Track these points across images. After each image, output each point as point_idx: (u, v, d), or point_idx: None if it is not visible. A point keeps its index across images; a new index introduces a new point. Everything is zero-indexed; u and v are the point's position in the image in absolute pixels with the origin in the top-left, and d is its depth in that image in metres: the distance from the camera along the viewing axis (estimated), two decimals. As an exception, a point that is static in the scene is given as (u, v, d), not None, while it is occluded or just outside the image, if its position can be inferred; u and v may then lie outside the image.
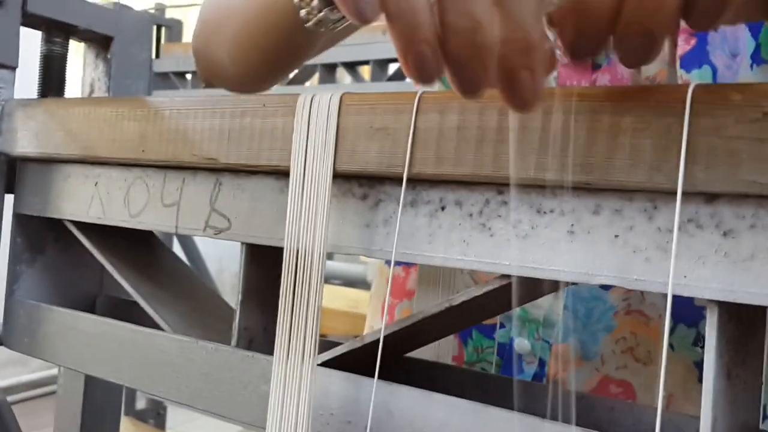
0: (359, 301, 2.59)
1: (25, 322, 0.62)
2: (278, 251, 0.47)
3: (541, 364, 0.60)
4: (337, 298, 2.70)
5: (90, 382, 0.88)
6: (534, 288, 0.44)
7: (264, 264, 0.51)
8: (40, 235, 0.65)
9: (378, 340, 0.46)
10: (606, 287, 0.59)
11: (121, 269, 0.58)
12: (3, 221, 0.65)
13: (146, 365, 0.54)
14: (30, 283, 0.65)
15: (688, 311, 0.56)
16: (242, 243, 0.50)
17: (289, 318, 0.45)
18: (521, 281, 0.40)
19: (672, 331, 0.58)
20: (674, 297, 0.58)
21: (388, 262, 0.70)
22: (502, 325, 0.62)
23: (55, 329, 0.60)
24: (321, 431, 0.46)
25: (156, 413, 2.85)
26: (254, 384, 0.49)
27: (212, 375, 0.51)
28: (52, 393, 0.92)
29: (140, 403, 2.83)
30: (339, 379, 0.45)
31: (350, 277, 3.45)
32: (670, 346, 0.58)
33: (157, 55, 2.38)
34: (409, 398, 0.43)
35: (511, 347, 0.61)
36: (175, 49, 2.38)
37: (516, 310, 0.61)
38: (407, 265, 0.67)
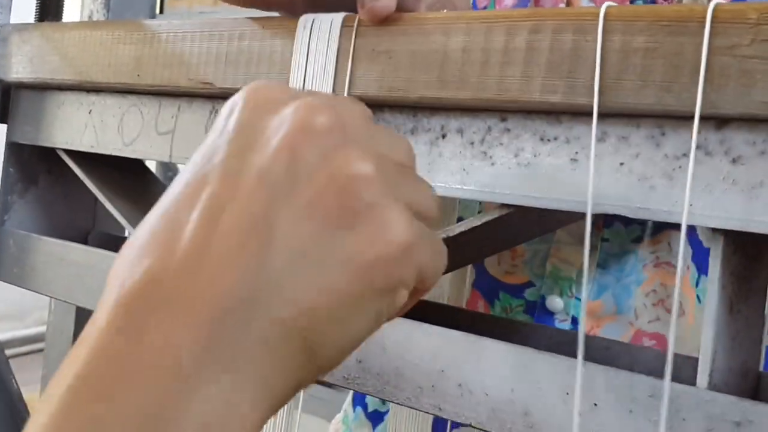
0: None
1: (14, 252, 0.61)
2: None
3: (574, 321, 0.59)
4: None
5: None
6: (540, 221, 0.43)
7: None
8: (33, 165, 0.64)
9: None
10: (636, 240, 0.58)
11: (114, 200, 0.56)
12: (-5, 151, 0.64)
13: (136, 296, 0.53)
14: (21, 215, 0.64)
15: None
16: (237, 173, 0.49)
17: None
18: (524, 213, 0.39)
19: (697, 283, 0.57)
20: (698, 249, 0.57)
21: None
22: (531, 284, 0.61)
23: (45, 260, 0.59)
24: (311, 363, 0.45)
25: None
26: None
27: (203, 306, 0.50)
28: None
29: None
30: (331, 311, 0.45)
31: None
32: (697, 298, 0.57)
33: (161, 11, 2.34)
34: (401, 331, 0.42)
35: (541, 305, 0.60)
36: (179, 5, 2.35)
37: (547, 268, 0.60)
38: None
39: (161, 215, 0.24)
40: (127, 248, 0.24)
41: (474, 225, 0.40)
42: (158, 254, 0.22)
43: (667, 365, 0.33)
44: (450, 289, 0.59)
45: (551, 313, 0.59)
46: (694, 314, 0.57)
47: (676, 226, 0.58)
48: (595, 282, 0.58)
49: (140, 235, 0.24)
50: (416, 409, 0.41)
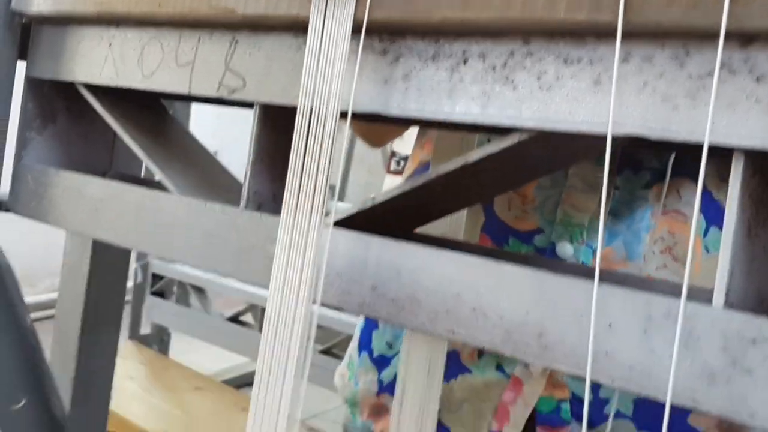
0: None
1: (32, 187, 0.62)
2: (292, 115, 0.45)
3: None
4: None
5: (89, 303, 0.87)
6: (558, 154, 0.43)
7: (276, 128, 0.50)
8: (52, 101, 0.64)
9: (390, 201, 0.45)
10: (646, 186, 0.58)
11: (132, 134, 0.57)
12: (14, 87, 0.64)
13: (153, 228, 0.53)
14: (39, 152, 0.64)
15: (720, 215, 0.56)
16: (255, 103, 0.49)
17: (298, 176, 0.44)
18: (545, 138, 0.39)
19: (705, 233, 0.57)
20: (706, 199, 0.57)
21: None
22: (540, 230, 0.60)
23: (63, 193, 0.59)
24: (326, 291, 0.45)
25: (160, 339, 2.88)
26: (261, 244, 0.48)
27: (220, 236, 0.50)
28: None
29: (145, 329, 2.85)
30: (347, 239, 0.45)
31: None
32: (705, 248, 0.57)
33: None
34: (416, 257, 0.42)
35: (551, 252, 0.59)
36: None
37: (558, 214, 0.59)
38: None
39: None
40: None
41: (492, 152, 0.40)
42: None
43: (684, 284, 0.33)
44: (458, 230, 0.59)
45: (561, 260, 0.59)
46: (701, 263, 0.57)
47: (685, 173, 0.58)
48: (606, 229, 0.58)
49: None
50: (430, 334, 0.41)
